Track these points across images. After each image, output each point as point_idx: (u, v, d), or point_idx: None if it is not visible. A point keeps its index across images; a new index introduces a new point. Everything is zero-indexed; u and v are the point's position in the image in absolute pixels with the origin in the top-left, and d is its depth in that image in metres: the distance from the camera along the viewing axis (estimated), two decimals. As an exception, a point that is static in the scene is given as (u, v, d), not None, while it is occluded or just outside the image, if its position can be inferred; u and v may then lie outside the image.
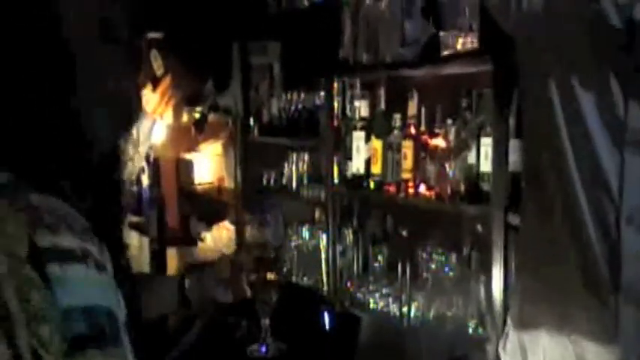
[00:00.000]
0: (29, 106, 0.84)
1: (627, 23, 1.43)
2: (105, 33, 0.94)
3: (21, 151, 0.82)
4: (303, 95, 3.29)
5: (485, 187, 2.22)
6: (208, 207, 4.38)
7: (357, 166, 2.75)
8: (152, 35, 4.35)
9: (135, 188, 4.19)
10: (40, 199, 0.78)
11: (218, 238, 4.02)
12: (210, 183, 4.25)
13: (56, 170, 0.84)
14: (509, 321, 1.73)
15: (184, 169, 4.39)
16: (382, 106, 2.75)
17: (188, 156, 4.39)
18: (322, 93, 3.06)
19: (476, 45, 2.25)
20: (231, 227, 3.97)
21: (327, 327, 2.05)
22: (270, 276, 1.64)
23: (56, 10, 0.86)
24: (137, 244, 3.90)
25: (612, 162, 1.45)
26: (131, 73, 1.04)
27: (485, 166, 2.22)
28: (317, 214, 3.15)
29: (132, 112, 1.04)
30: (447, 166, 2.35)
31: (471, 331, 2.14)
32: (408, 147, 2.52)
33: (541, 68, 1.56)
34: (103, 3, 0.94)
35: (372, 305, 2.69)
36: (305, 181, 3.32)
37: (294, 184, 3.39)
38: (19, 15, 0.84)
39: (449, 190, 2.35)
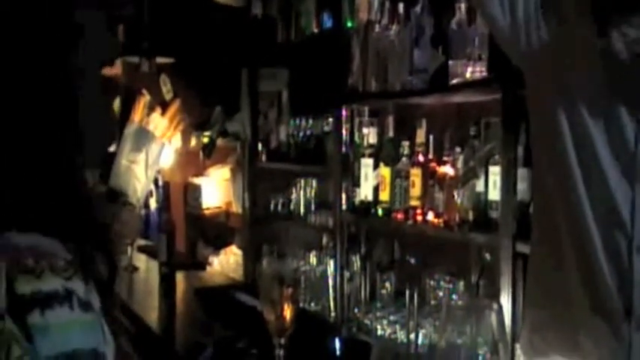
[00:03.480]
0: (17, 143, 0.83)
1: (636, 58, 1.44)
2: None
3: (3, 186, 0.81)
4: (311, 122, 3.31)
5: (494, 215, 2.22)
6: (216, 232, 4.39)
7: (365, 193, 2.76)
8: (162, 60, 4.40)
9: (143, 212, 4.21)
10: (22, 238, 0.76)
11: (225, 262, 4.03)
12: (217, 207, 4.25)
13: (42, 205, 0.83)
14: (519, 350, 1.72)
15: (192, 193, 4.41)
16: (391, 133, 2.76)
17: (196, 180, 4.40)
18: (330, 120, 3.08)
19: (485, 74, 2.26)
20: (239, 252, 3.98)
21: (338, 353, 2.05)
22: (288, 309, 1.64)
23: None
24: (146, 268, 3.91)
25: (623, 191, 1.45)
26: (106, 108, 1.04)
27: (494, 194, 2.22)
28: (325, 240, 3.15)
29: (105, 144, 1.05)
30: (455, 193, 2.36)
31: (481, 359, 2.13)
32: (416, 174, 2.52)
33: (550, 99, 1.56)
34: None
35: (379, 332, 2.69)
36: (313, 208, 3.33)
37: (301, 210, 3.40)
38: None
39: (457, 218, 2.35)
